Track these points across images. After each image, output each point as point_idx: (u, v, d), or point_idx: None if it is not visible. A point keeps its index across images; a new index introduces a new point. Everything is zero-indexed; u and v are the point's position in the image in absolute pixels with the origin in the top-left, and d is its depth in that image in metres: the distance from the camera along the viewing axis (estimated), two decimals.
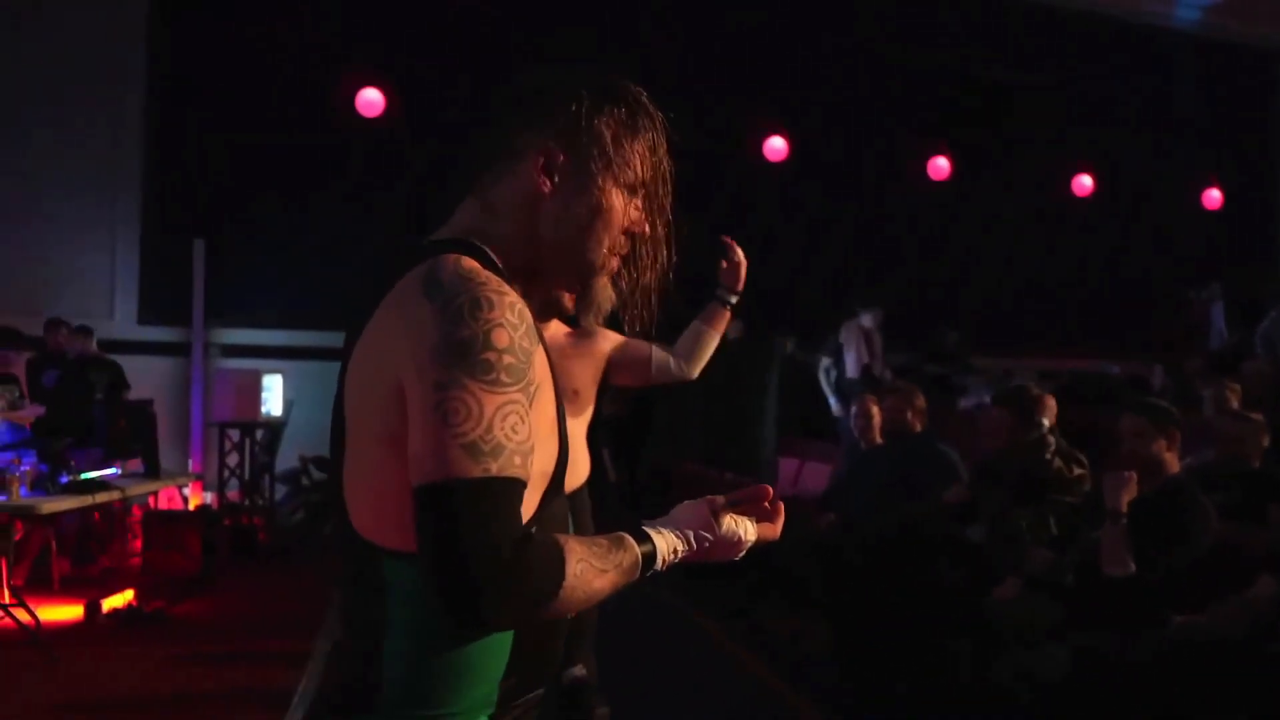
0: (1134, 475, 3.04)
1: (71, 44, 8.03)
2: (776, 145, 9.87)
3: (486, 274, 1.11)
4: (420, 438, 1.05)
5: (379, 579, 1.14)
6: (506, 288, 1.11)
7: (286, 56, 8.37)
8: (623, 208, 1.29)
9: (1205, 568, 2.86)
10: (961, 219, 10.55)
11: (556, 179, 1.24)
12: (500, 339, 1.06)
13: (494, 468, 1.04)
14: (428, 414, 1.04)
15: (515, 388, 1.07)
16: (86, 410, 5.82)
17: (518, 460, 1.06)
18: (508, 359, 1.07)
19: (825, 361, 8.25)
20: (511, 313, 1.08)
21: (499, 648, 1.16)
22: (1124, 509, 3.01)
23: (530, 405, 1.09)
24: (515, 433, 1.06)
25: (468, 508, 1.02)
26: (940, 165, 10.40)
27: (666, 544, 1.24)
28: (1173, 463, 3.10)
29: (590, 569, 1.12)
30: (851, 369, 7.91)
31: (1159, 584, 2.83)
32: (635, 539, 1.21)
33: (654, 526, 1.25)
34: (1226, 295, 10.36)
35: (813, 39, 9.85)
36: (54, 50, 7.91)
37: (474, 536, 1.02)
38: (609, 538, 1.19)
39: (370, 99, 8.67)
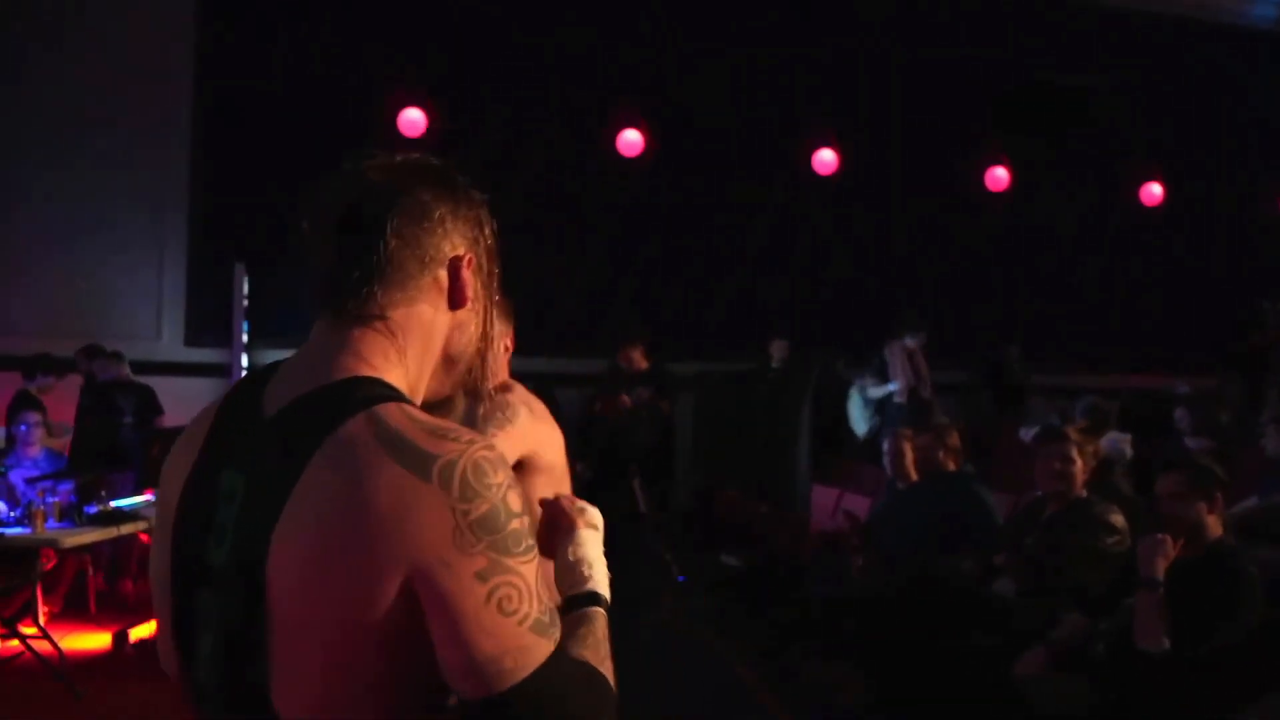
0: (1168, 539, 2.79)
1: (120, 69, 8.16)
2: (826, 158, 9.62)
3: (450, 424, 0.98)
4: (479, 639, 0.91)
5: None
6: (478, 434, 0.99)
7: (331, 79, 8.42)
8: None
9: (1253, 647, 2.59)
10: (1021, 230, 10.17)
11: (468, 291, 1.12)
12: (514, 503, 0.96)
13: (556, 634, 0.98)
14: (480, 611, 0.91)
15: (534, 542, 0.98)
16: (113, 436, 5.87)
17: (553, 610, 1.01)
18: (526, 519, 0.97)
19: (862, 381, 8.02)
20: (505, 466, 0.97)
21: None
22: (1160, 576, 2.76)
23: None
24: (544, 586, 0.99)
25: (567, 689, 0.96)
26: (999, 175, 10.03)
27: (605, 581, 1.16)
28: (1215, 526, 2.84)
29: (606, 665, 1.04)
30: (899, 393, 7.67)
31: (1199, 665, 2.58)
32: (594, 602, 1.11)
33: (591, 581, 1.13)
34: None
35: (863, 46, 9.60)
36: (103, 74, 8.04)
37: (586, 713, 0.97)
38: (585, 625, 1.06)
39: (412, 119, 8.67)
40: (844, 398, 7.97)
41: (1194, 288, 10.39)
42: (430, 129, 8.73)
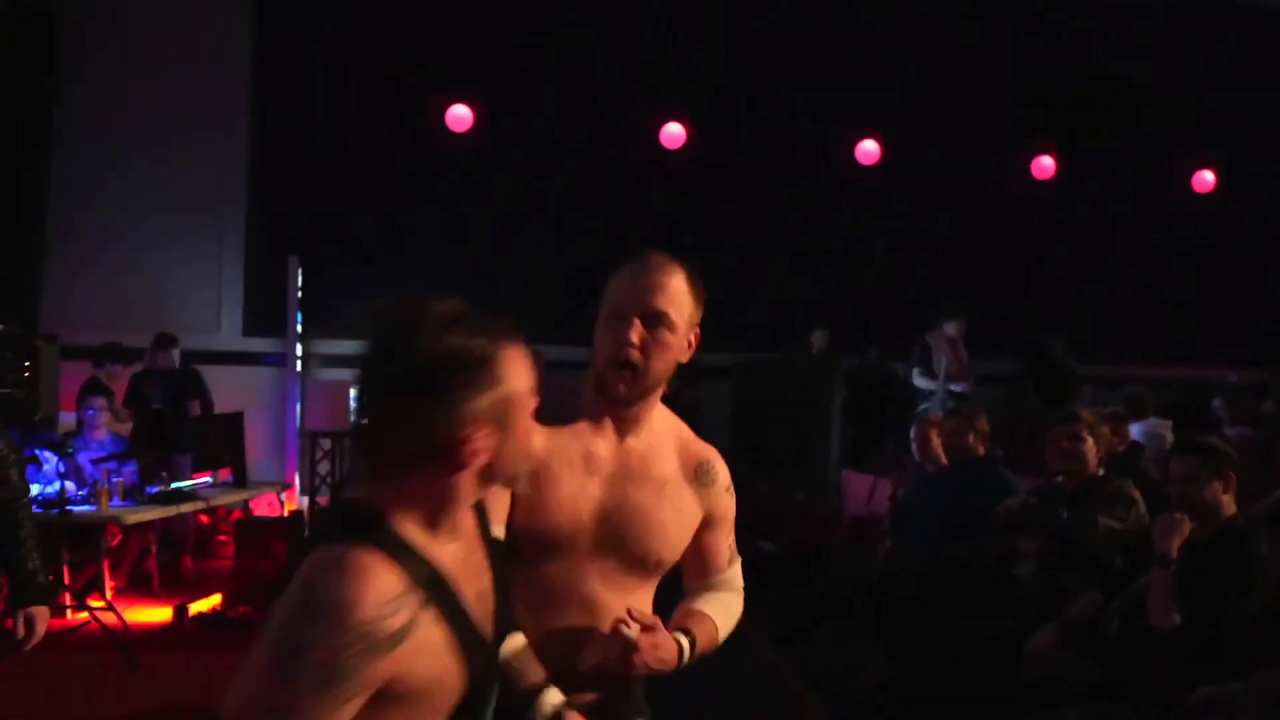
0: (1184, 518, 2.83)
1: (180, 71, 8.51)
2: (869, 148, 9.62)
3: None
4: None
5: None
6: None
7: (381, 78, 8.66)
8: None
9: (1262, 627, 2.63)
10: (1068, 219, 10.04)
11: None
12: None
13: None
14: None
15: None
16: (170, 422, 6.15)
17: None
18: None
19: (915, 370, 8.01)
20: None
21: None
22: (1173, 554, 2.80)
23: None
24: None
25: None
26: (1044, 164, 9.93)
27: None
28: (1229, 506, 2.86)
29: None
30: (938, 380, 7.67)
31: (1207, 642, 2.62)
32: None
33: None
34: None
35: (907, 36, 9.56)
36: (164, 77, 8.39)
37: None
38: None
39: (459, 115, 8.88)
40: (879, 386, 7.97)
41: (1247, 278, 10.16)
42: (476, 125, 8.93)
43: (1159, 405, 6.49)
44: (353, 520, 1.23)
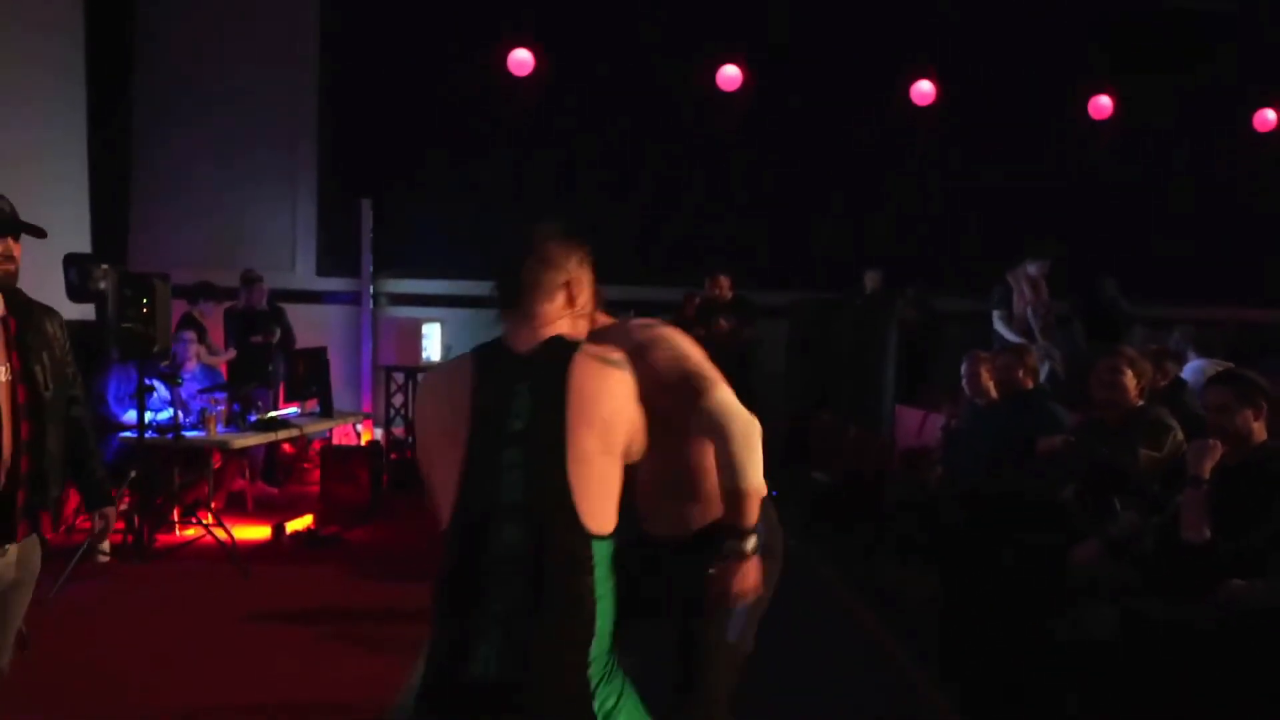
0: (1218, 443, 3.08)
1: (252, 14, 8.85)
2: (924, 89, 9.67)
3: (609, 347, 1.95)
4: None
5: (590, 561, 1.71)
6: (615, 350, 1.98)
7: (445, 23, 8.90)
8: None
9: None
10: (1125, 159, 10.03)
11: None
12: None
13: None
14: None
15: None
16: (261, 357, 6.57)
17: None
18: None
19: (996, 314, 8.05)
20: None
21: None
22: (1205, 475, 3.06)
23: None
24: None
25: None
26: (1102, 103, 9.91)
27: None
28: (1260, 433, 3.10)
29: None
30: (1016, 318, 7.76)
31: (1234, 556, 2.89)
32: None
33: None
34: None
35: None
36: (237, 20, 8.75)
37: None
38: None
39: (521, 59, 9.10)
40: (930, 325, 8.13)
41: None
42: (537, 68, 9.15)
43: (1223, 344, 6.63)
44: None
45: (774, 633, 2.29)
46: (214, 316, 7.46)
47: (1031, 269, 7.96)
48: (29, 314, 2.48)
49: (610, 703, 1.72)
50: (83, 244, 7.79)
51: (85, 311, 5.87)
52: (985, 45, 9.48)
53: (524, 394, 1.77)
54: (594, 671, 1.70)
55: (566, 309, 1.92)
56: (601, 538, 1.74)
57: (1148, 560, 3.16)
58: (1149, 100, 9.85)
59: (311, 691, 3.73)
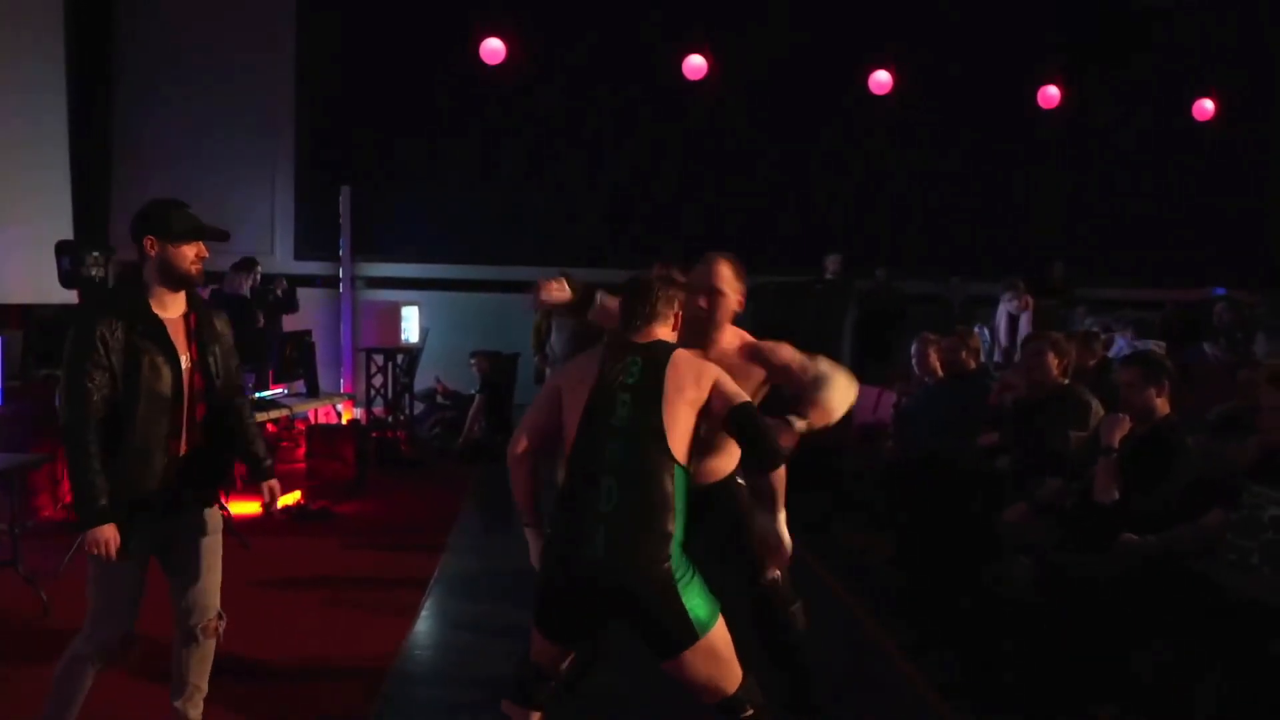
0: (1126, 417, 3.52)
1: (231, 4, 9.04)
2: (882, 79, 10.07)
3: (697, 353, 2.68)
4: (732, 398, 2.47)
5: (672, 478, 2.36)
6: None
7: (420, 12, 9.15)
8: None
9: (1185, 500, 3.33)
10: (1074, 147, 10.52)
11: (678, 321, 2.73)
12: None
13: None
14: (730, 393, 2.49)
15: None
16: (255, 340, 6.85)
17: None
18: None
19: (1005, 295, 8.45)
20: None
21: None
22: (1115, 444, 3.50)
23: None
24: None
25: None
26: (1051, 93, 10.37)
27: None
28: (1163, 407, 3.55)
29: None
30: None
31: (1139, 514, 3.33)
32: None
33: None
34: None
35: None
36: (217, 18, 8.93)
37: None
38: None
39: (493, 48, 9.37)
40: (887, 305, 8.56)
41: (1243, 204, 10.64)
42: (509, 57, 9.43)
43: (1159, 326, 7.12)
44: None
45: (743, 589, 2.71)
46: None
47: (1007, 305, 8.28)
48: (204, 312, 2.84)
49: (684, 578, 2.34)
50: (65, 229, 7.99)
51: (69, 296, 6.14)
52: (941, 37, 9.89)
53: (637, 362, 2.46)
54: (673, 557, 2.33)
55: (667, 328, 2.63)
56: (681, 465, 2.36)
57: (1067, 519, 3.61)
58: (1095, 91, 10.34)
59: (328, 646, 4.09)
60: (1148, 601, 2.94)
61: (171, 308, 2.75)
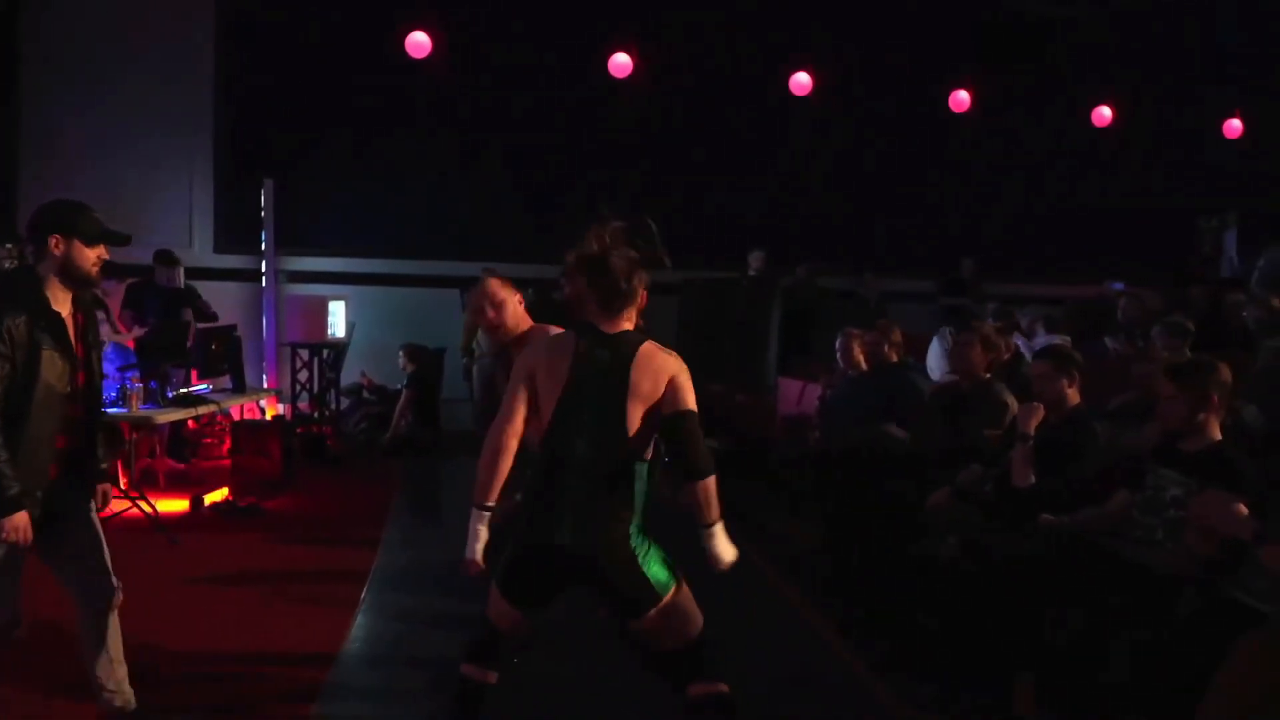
0: (1041, 406, 3.77)
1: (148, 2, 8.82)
2: (802, 80, 10.34)
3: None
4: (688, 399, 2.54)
5: (634, 472, 2.51)
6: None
7: (343, 3, 9.04)
8: None
9: (1094, 483, 3.58)
10: (982, 149, 10.96)
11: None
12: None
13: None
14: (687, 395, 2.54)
15: None
16: (181, 335, 6.72)
17: None
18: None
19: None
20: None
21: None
22: (1031, 432, 3.74)
23: None
24: None
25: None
26: (961, 98, 10.79)
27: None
28: (1074, 397, 3.81)
29: None
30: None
31: (1052, 496, 3.58)
32: None
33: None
34: (1240, 223, 10.74)
35: None
36: (133, 8, 8.68)
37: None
38: None
39: (419, 41, 9.32)
40: (809, 300, 8.81)
41: (1142, 206, 11.21)
42: (435, 50, 9.39)
43: (1065, 321, 7.48)
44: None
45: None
46: (114, 295, 7.49)
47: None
48: (90, 312, 2.90)
49: (643, 553, 2.55)
50: None
51: None
52: (860, 42, 10.21)
53: (605, 355, 2.56)
54: (634, 537, 2.53)
55: (634, 312, 2.69)
56: (643, 460, 2.54)
57: (987, 502, 3.84)
58: (1002, 96, 10.79)
59: (261, 641, 4.08)
60: (1063, 576, 3.17)
61: (63, 306, 2.80)
